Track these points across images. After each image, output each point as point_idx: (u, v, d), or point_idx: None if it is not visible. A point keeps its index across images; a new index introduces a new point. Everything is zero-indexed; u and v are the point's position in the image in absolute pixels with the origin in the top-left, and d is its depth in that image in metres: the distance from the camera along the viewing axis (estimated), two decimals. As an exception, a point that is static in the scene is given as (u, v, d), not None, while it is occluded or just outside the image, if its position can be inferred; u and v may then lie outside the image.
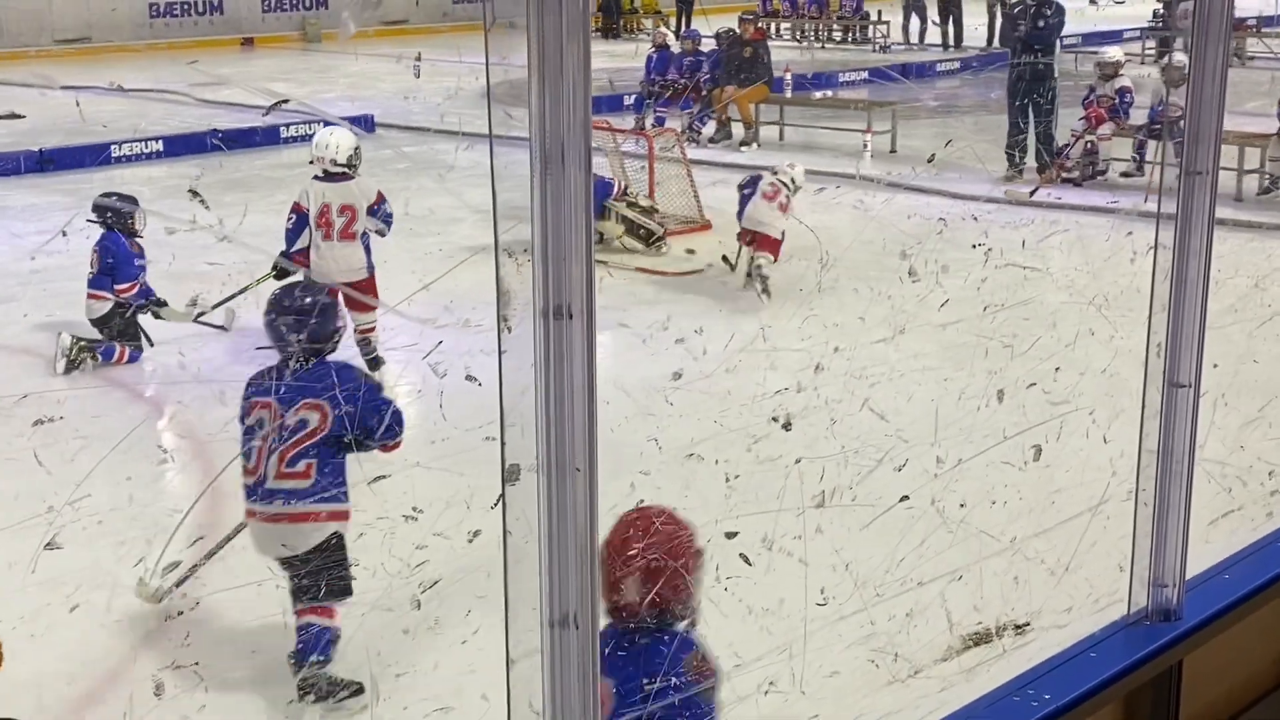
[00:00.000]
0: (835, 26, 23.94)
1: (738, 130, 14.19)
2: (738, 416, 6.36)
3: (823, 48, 23.11)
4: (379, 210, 7.41)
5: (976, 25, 21.80)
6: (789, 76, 14.66)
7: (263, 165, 12.79)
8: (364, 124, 13.51)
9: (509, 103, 2.00)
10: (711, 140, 14.12)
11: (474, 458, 5.52)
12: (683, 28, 19.94)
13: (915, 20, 22.78)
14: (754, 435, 5.98)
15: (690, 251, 9.76)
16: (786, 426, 5.84)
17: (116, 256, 7.82)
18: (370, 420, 4.52)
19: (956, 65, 19.72)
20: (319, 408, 4.46)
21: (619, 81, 16.89)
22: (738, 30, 14.61)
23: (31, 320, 8.23)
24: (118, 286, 7.77)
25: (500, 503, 2.02)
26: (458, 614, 4.50)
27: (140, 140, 13.40)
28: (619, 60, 19.36)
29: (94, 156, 12.84)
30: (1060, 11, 12.24)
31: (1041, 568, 4.78)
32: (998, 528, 5.06)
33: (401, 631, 4.58)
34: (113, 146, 13.09)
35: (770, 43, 15.78)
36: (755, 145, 13.81)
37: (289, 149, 13.61)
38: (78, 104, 13.53)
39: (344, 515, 4.58)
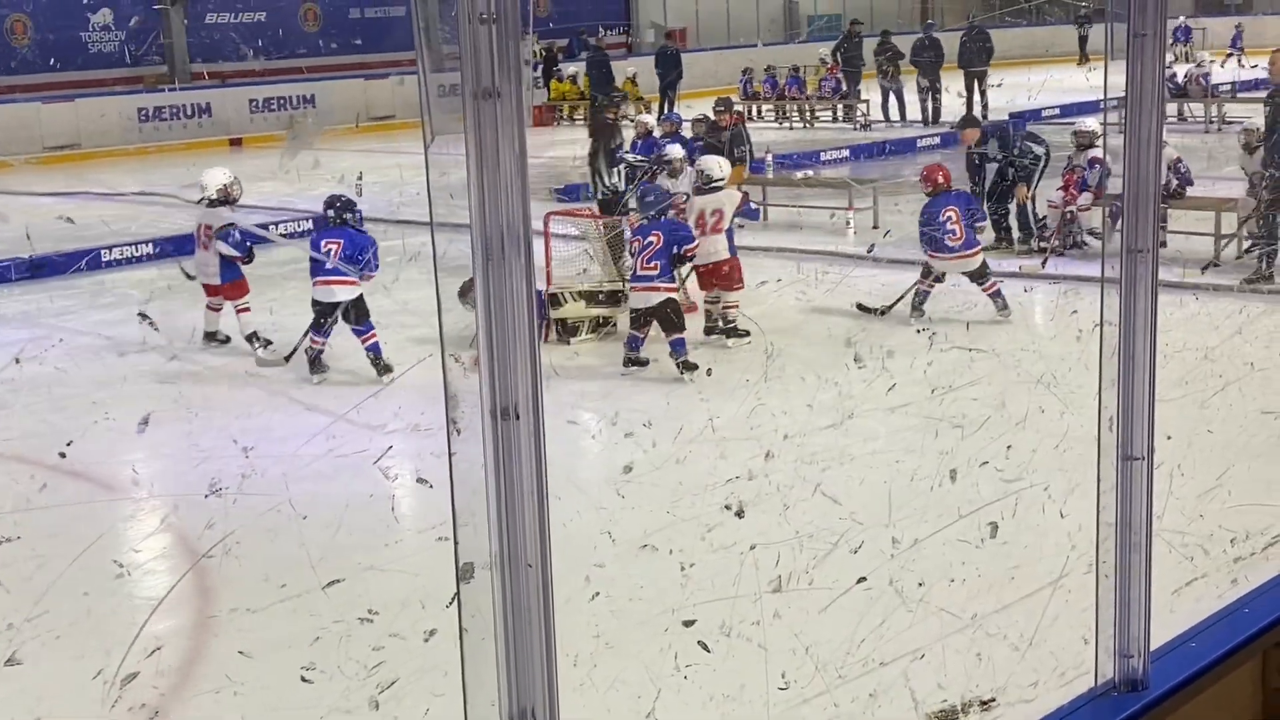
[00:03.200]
0: (816, 106, 24.00)
1: None
2: (690, 506, 6.26)
3: (805, 128, 23.19)
4: (745, 209, 10.11)
5: (957, 98, 21.96)
6: (770, 158, 14.56)
7: (255, 264, 12.55)
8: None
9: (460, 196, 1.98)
10: None
11: (428, 558, 5.45)
12: (665, 112, 19.96)
13: (894, 99, 22.98)
14: (707, 524, 5.90)
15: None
16: (739, 514, 5.76)
17: (357, 248, 8.74)
18: (678, 236, 8.93)
19: (937, 141, 19.84)
20: (658, 235, 8.84)
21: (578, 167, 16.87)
22: (715, 118, 14.67)
23: (22, 427, 7.99)
24: (366, 274, 8.72)
25: (455, 601, 1.99)
26: (416, 713, 4.36)
27: (131, 244, 13.25)
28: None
29: (85, 261, 12.71)
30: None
31: (1004, 643, 4.68)
32: (958, 605, 4.96)
33: (360, 733, 4.43)
34: (103, 250, 12.95)
35: (752, 124, 15.79)
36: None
37: (279, 248, 13.18)
38: (70, 220, 13.42)
39: (674, 290, 8.90)
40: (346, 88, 25.20)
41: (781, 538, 5.59)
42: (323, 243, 8.93)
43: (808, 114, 23.84)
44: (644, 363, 8.85)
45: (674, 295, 8.85)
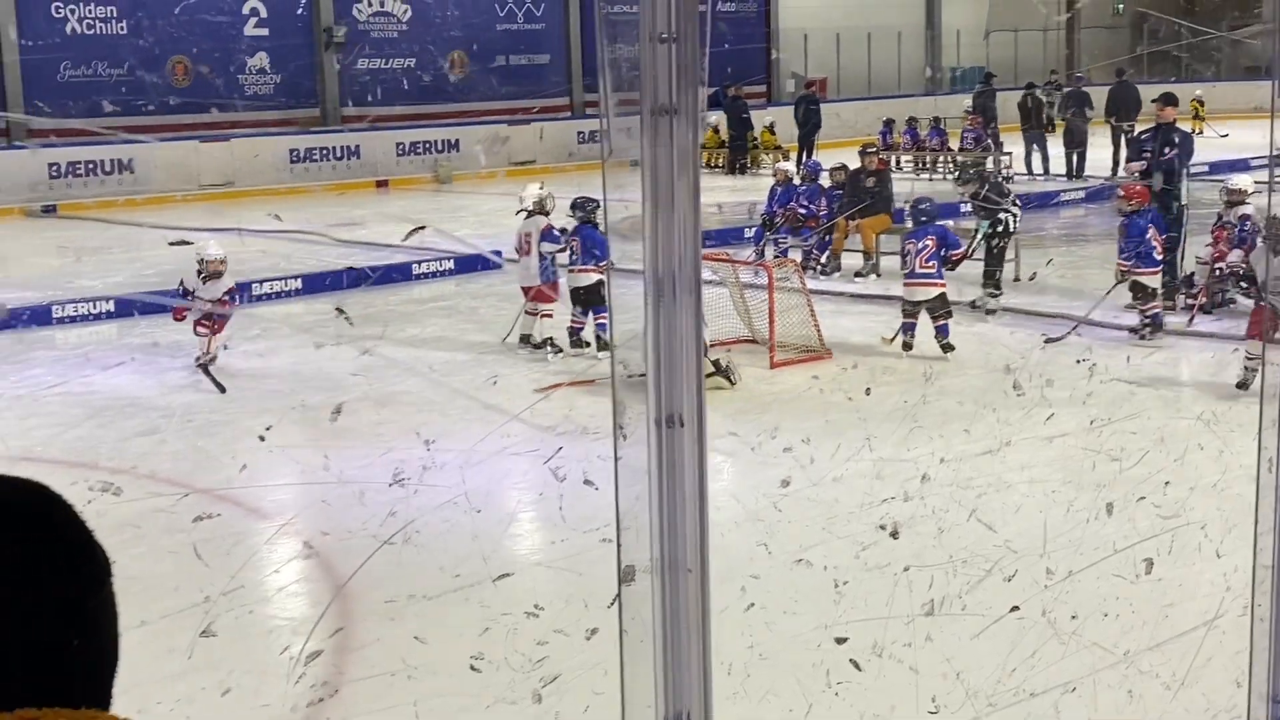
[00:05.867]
0: (957, 158, 23.25)
1: (853, 260, 13.64)
2: (845, 524, 6.16)
3: (945, 179, 22.52)
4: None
5: (1100, 155, 21.17)
6: (965, 244, 14.07)
7: (396, 301, 12.54)
8: (487, 263, 13.27)
9: (626, 233, 1.98)
10: (823, 272, 13.49)
11: (592, 558, 5.46)
12: (803, 160, 19.55)
13: (1037, 151, 22.25)
14: (862, 543, 5.78)
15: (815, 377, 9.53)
16: (894, 535, 5.64)
17: (594, 242, 9.98)
18: (949, 241, 10.16)
19: (1081, 195, 19.09)
20: (932, 239, 9.97)
21: (739, 214, 16.64)
22: (861, 162, 14.20)
23: (172, 450, 7.97)
24: (600, 264, 9.93)
25: (616, 602, 1.95)
26: (576, 709, 4.35)
27: (280, 279, 13.18)
28: (740, 194, 19.18)
29: (236, 294, 12.60)
30: (1188, 139, 11.84)
31: (1156, 681, 4.48)
32: (1110, 640, 4.77)
33: (523, 725, 4.45)
34: (254, 285, 12.83)
35: (891, 174, 15.43)
36: (875, 276, 13.19)
37: (421, 285, 13.37)
38: (240, 232, 13.70)
39: (944, 285, 9.97)
40: (491, 134, 24.87)
41: (935, 561, 5.46)
42: (572, 239, 10.16)
43: (948, 165, 22.61)
44: (910, 346, 9.85)
45: (944, 289, 9.96)
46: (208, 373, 9.42)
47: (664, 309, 1.87)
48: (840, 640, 4.63)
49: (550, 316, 10.23)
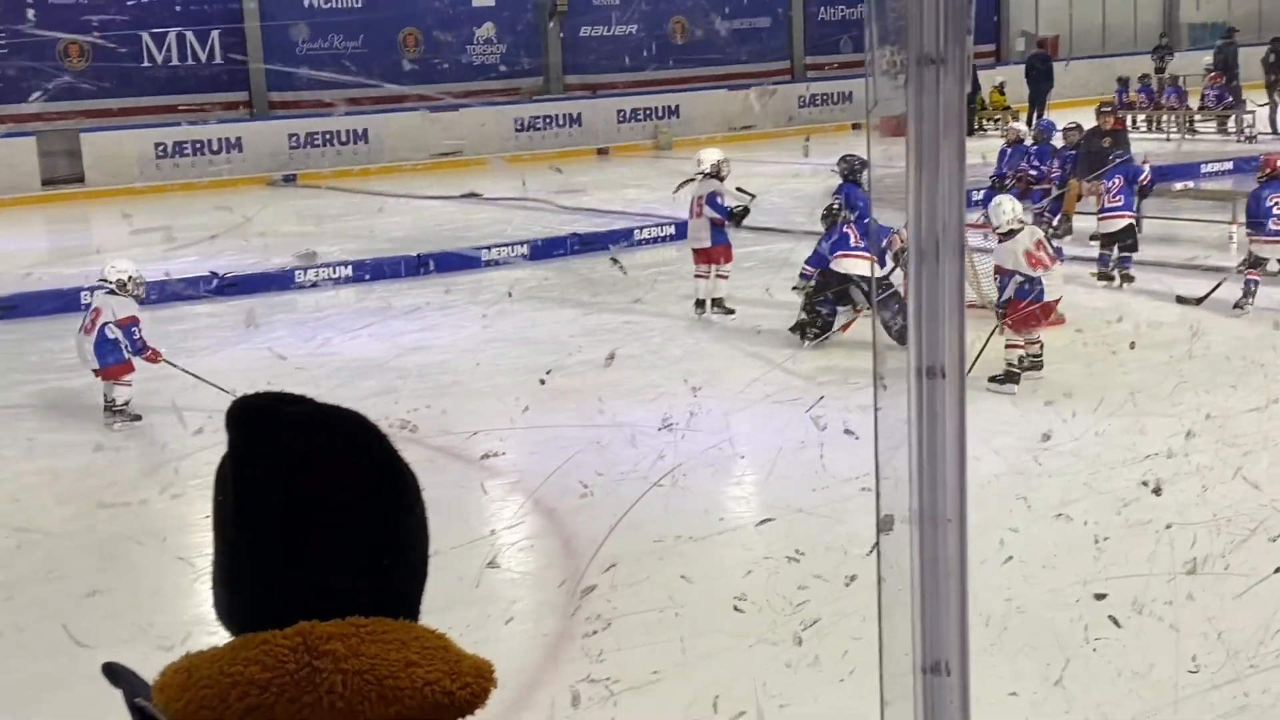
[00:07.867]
0: (1197, 116, 21.30)
1: (1086, 222, 12.74)
2: (1106, 479, 5.88)
3: (1183, 138, 20.57)
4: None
5: None
6: (1147, 168, 13.16)
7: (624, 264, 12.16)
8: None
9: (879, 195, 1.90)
10: (1056, 235, 12.24)
11: (851, 507, 5.38)
12: (1034, 120, 18.43)
13: None
14: (1123, 499, 5.52)
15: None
16: (1157, 491, 5.35)
17: (857, 199, 9.23)
18: (1135, 173, 10.85)
19: None
20: (1119, 176, 10.61)
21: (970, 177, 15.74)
22: (1097, 121, 13.35)
23: (405, 407, 7.78)
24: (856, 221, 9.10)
25: (875, 551, 1.89)
26: (835, 653, 4.28)
27: (507, 245, 13.00)
28: (969, 156, 18.30)
29: (465, 261, 12.64)
30: None
31: None
32: (1383, 607, 4.41)
33: (784, 665, 4.39)
34: (482, 251, 12.89)
35: (1128, 134, 14.44)
36: None
37: (639, 250, 13.16)
38: (523, 182, 13.65)
39: (1131, 217, 10.57)
40: (710, 99, 24.11)
41: (1199, 519, 5.15)
42: (833, 200, 9.72)
43: (1186, 124, 20.98)
44: (1111, 278, 10.35)
45: (1133, 221, 10.55)
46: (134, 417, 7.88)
47: (927, 267, 1.78)
48: (1099, 596, 4.43)
49: (726, 277, 9.98)
